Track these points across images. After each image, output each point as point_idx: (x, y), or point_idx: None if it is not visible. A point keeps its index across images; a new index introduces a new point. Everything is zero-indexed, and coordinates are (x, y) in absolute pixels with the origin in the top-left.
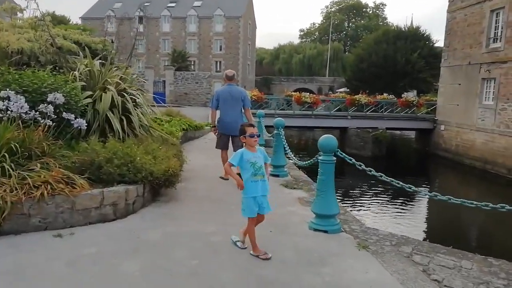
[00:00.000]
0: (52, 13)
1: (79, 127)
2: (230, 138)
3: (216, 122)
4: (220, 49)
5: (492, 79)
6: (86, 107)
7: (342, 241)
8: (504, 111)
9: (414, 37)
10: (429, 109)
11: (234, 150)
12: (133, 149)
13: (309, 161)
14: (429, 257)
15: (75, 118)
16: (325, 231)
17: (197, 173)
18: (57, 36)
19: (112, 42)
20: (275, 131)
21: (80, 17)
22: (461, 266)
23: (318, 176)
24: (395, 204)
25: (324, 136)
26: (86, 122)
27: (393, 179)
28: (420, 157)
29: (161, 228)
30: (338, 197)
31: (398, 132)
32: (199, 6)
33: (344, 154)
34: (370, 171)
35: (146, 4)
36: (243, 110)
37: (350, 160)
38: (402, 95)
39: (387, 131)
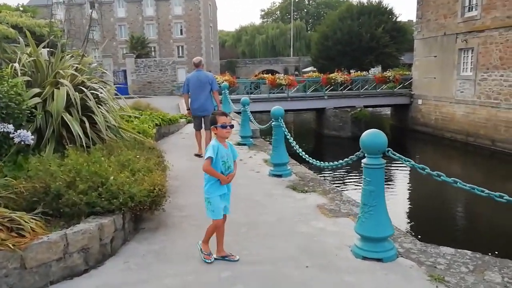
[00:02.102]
0: None
1: (23, 142)
2: (202, 119)
3: (189, 105)
4: (181, 33)
5: (469, 49)
6: (33, 109)
7: (406, 273)
8: (484, 81)
9: (377, 12)
10: (404, 84)
11: (206, 128)
12: (103, 165)
13: (338, 162)
14: None
15: (16, 128)
16: (379, 259)
17: (184, 180)
18: None
19: (62, 30)
20: (274, 122)
21: (23, 5)
22: None
23: (363, 187)
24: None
25: (369, 132)
26: (36, 129)
27: (474, 187)
28: (398, 133)
29: (156, 281)
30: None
31: (370, 109)
32: None
33: (398, 155)
34: (439, 175)
35: None
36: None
37: (408, 161)
38: (369, 71)
39: (365, 109)
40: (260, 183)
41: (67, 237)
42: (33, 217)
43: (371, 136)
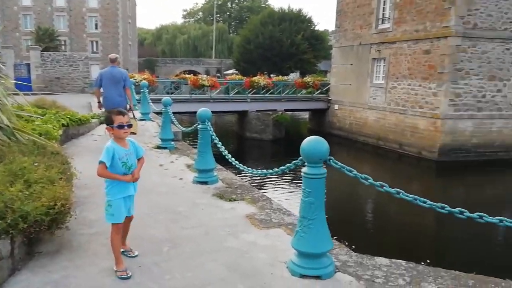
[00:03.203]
0: None
1: None
2: None
3: (102, 101)
4: (96, 28)
5: (382, 59)
6: None
7: None
8: (394, 90)
9: (297, 19)
10: (322, 90)
11: None
12: None
13: (274, 170)
14: None
15: None
16: (318, 277)
17: (95, 189)
18: None
19: None
20: (200, 125)
21: None
22: None
23: (302, 198)
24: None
25: (310, 139)
26: None
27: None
28: None
29: None
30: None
31: (290, 113)
32: None
33: (340, 164)
34: (382, 186)
35: None
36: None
37: (351, 172)
38: (288, 76)
39: (286, 112)
40: (183, 191)
41: None
42: None
43: (312, 143)
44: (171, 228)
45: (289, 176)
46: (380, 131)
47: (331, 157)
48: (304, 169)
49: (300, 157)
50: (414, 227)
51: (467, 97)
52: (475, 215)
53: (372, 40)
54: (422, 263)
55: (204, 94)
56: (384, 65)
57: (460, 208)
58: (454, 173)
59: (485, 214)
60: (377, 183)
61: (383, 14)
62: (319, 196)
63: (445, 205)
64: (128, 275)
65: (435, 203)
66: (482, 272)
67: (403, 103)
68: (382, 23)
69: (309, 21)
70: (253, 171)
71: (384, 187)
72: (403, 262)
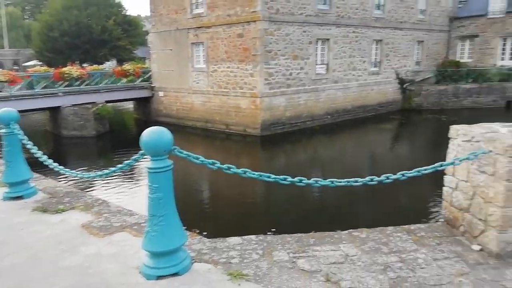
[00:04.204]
0: None
1: None
2: None
3: None
4: None
5: (200, 43)
6: None
7: (206, 279)
8: (215, 73)
9: (105, 4)
10: (144, 77)
11: None
12: None
13: (110, 170)
14: (311, 257)
15: None
16: (176, 274)
17: None
18: None
19: None
20: (3, 130)
21: None
22: (347, 254)
23: (149, 195)
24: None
25: (152, 131)
26: None
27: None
28: (143, 126)
29: None
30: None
31: (112, 104)
32: None
33: (186, 152)
34: (229, 168)
35: None
36: None
37: (197, 158)
38: (104, 65)
39: (107, 104)
40: None
41: None
42: None
43: (155, 135)
44: None
45: (118, 173)
46: (206, 114)
47: (176, 147)
48: (148, 164)
49: (141, 151)
50: (254, 199)
51: (278, 76)
52: (311, 181)
53: (189, 25)
54: (269, 233)
55: (1, 91)
56: (203, 49)
57: (300, 177)
58: (275, 144)
59: (319, 178)
60: (225, 166)
61: None
62: (167, 189)
63: (287, 177)
64: None
65: (278, 176)
66: (316, 228)
67: (225, 85)
68: (197, 7)
69: (118, 5)
70: (84, 174)
71: (231, 169)
72: (253, 236)
